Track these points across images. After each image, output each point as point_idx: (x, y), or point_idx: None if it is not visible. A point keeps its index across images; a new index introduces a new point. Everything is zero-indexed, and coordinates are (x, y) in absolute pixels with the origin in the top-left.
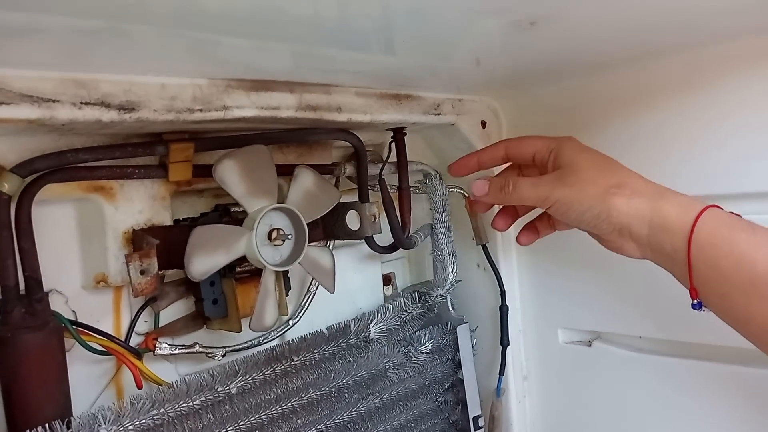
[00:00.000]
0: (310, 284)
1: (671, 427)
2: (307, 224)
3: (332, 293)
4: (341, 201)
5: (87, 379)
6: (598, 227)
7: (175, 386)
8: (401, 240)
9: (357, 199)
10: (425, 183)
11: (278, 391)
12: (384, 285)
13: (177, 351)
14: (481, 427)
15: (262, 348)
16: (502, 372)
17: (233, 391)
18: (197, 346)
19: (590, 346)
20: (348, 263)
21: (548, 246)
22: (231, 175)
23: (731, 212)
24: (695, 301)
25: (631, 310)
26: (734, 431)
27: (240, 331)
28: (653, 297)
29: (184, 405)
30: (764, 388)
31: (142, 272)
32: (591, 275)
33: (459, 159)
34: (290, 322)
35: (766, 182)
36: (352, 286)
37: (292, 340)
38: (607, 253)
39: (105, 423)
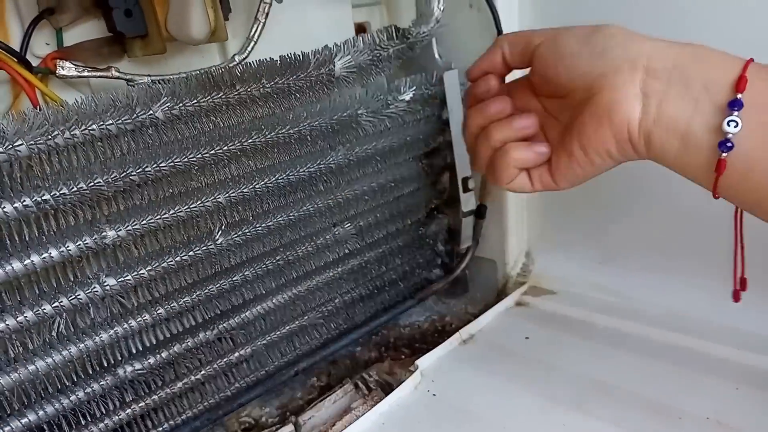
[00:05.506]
0: (258, 11)
1: None
2: None
3: (280, 2)
4: None
5: None
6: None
7: (81, 103)
8: None
9: None
10: None
11: (220, 123)
12: (357, 34)
13: (86, 73)
14: (470, 190)
15: None
16: None
17: (158, 114)
18: (113, 71)
19: None
20: (310, 1)
21: None
22: None
23: None
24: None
25: None
26: None
27: (164, 50)
28: None
29: (93, 126)
30: None
31: None
32: None
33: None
34: (236, 58)
35: None
36: (315, 29)
37: (235, 66)
38: None
39: None
